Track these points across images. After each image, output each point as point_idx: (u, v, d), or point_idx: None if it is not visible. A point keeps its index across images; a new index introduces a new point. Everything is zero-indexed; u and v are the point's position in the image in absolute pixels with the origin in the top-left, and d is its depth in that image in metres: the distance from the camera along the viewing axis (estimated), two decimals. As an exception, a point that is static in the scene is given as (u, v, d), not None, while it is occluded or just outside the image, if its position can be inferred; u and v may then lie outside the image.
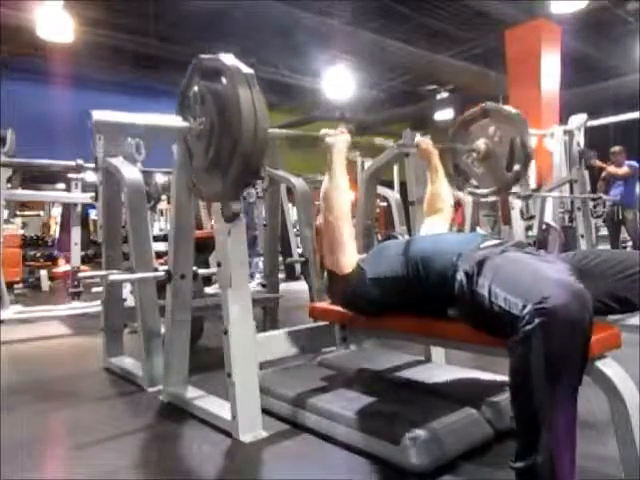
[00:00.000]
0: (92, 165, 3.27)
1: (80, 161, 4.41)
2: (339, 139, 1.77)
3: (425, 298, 1.52)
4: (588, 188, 5.13)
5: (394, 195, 5.25)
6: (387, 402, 1.81)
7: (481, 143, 2.08)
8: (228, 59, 1.41)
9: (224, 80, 1.37)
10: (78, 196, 4.96)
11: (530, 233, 4.93)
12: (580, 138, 5.30)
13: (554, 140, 5.54)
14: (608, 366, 1.22)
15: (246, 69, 1.37)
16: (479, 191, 2.15)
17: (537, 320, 1.07)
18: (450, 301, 1.42)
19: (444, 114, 12.23)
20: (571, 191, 5.20)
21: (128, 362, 2.73)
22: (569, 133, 5.34)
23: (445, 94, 11.42)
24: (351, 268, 1.63)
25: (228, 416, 1.79)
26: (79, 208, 5.06)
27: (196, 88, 1.46)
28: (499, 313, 1.20)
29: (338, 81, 9.37)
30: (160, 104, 10.97)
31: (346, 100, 10.57)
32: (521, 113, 1.87)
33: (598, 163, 5.80)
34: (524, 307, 1.11)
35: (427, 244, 1.58)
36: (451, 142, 2.30)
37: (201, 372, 2.44)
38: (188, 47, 8.82)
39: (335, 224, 1.63)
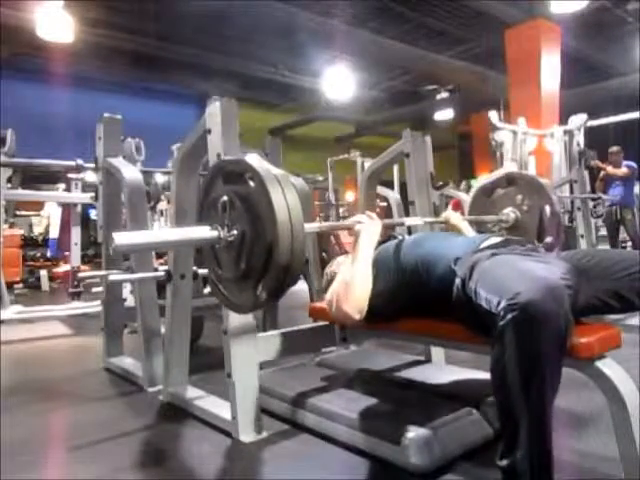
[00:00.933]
0: (92, 165, 3.28)
1: (80, 161, 4.42)
2: (371, 227, 1.65)
3: (427, 302, 1.51)
4: (588, 188, 5.13)
5: (394, 195, 5.25)
6: (387, 402, 1.81)
7: (510, 212, 2.03)
8: (254, 160, 1.29)
9: (252, 184, 1.25)
10: (78, 196, 4.96)
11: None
12: (580, 138, 5.31)
13: (554, 140, 5.55)
14: (608, 366, 1.22)
15: (275, 170, 1.25)
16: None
17: (509, 316, 1.07)
18: (450, 305, 1.42)
19: (444, 114, 12.25)
20: (571, 191, 5.20)
21: (128, 362, 2.73)
22: (569, 133, 5.34)
23: (445, 94, 11.42)
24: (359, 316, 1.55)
25: (228, 416, 1.79)
26: (79, 208, 5.07)
27: (224, 196, 1.32)
28: (483, 313, 1.21)
29: (338, 81, 9.36)
30: (159, 104, 11.05)
31: (346, 100, 10.56)
32: (548, 183, 1.83)
33: (597, 163, 5.79)
34: (499, 304, 1.12)
35: (428, 248, 1.57)
36: (471, 208, 2.21)
37: (201, 372, 2.44)
38: (188, 47, 8.86)
39: (359, 266, 1.56)
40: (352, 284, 1.54)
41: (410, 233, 2.38)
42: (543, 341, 1.06)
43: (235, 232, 1.28)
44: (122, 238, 1.20)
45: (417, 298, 1.53)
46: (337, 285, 1.60)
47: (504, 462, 1.12)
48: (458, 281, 1.38)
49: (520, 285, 1.11)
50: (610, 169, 6.22)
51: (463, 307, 1.36)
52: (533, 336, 1.06)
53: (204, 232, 1.32)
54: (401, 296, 1.56)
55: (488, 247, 1.48)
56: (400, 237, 1.83)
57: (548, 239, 1.72)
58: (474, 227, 2.06)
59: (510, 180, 2.09)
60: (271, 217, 1.16)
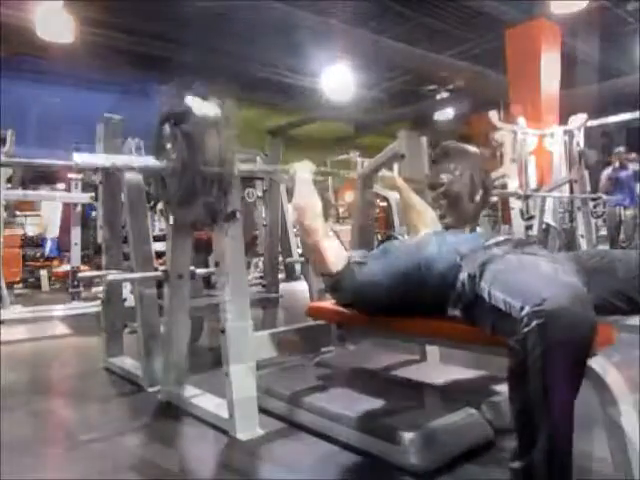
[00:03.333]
0: (92, 165, 3.30)
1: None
2: (303, 165, 1.91)
3: (426, 298, 1.51)
4: (588, 188, 5.15)
5: (394, 195, 5.26)
6: (385, 401, 1.82)
7: (444, 177, 2.12)
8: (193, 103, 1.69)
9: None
10: (78, 196, 4.99)
11: (530, 233, 4.96)
12: (580, 138, 5.33)
13: (554, 140, 5.58)
14: (600, 364, 1.23)
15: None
16: None
17: (535, 322, 1.06)
18: (450, 301, 1.43)
19: (444, 114, 12.28)
20: (571, 191, 5.22)
21: (128, 362, 2.75)
22: (569, 133, 5.36)
23: (445, 94, 11.44)
24: (340, 266, 1.62)
25: (226, 414, 1.81)
26: (79, 208, 5.09)
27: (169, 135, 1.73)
28: (499, 315, 1.20)
29: (338, 81, 9.38)
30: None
31: (346, 100, 10.58)
32: (477, 151, 1.89)
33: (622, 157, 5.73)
34: (522, 309, 1.10)
35: (431, 245, 1.57)
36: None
37: (201, 372, 2.46)
38: (188, 47, 8.87)
39: (309, 228, 1.66)
40: (322, 254, 1.64)
41: (409, 233, 2.39)
42: (570, 348, 1.06)
43: (177, 159, 1.63)
44: (82, 157, 1.56)
45: (417, 292, 1.52)
46: (310, 245, 1.68)
47: (517, 464, 1.11)
48: (464, 276, 1.37)
49: (546, 290, 1.10)
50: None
51: (467, 303, 1.36)
52: (560, 343, 1.05)
53: (152, 161, 1.71)
54: (398, 290, 1.54)
55: (496, 244, 1.48)
56: (400, 237, 1.85)
57: (477, 198, 1.78)
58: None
59: (446, 152, 2.15)
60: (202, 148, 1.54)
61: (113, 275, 2.44)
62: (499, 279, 1.27)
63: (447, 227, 1.72)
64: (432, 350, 2.36)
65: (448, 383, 2.01)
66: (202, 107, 1.65)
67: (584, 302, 1.10)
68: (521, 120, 5.65)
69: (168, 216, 1.93)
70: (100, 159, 1.72)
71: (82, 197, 4.91)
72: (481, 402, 1.75)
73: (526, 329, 1.08)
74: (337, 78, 9.34)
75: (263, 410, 1.92)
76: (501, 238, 1.55)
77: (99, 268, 3.13)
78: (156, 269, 2.55)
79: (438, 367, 2.28)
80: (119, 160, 1.80)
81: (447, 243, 1.54)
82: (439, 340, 1.70)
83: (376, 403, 1.81)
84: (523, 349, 1.08)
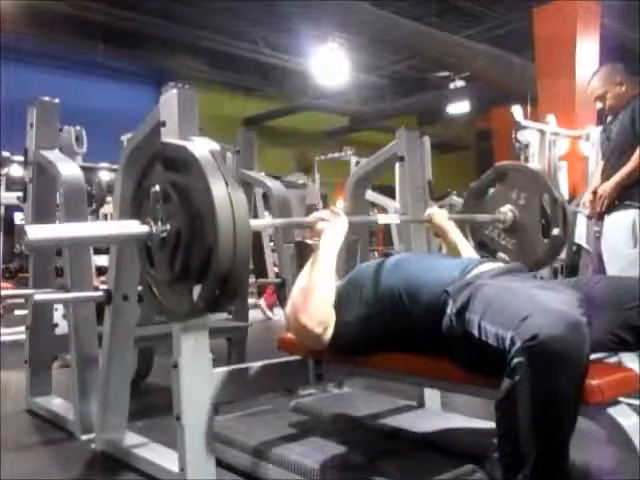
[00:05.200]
0: (20, 158, 3.32)
1: (5, 153, 4.45)
2: (335, 225, 1.76)
3: (409, 334, 1.58)
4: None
5: (394, 205, 5.34)
6: (372, 457, 1.86)
7: (507, 211, 2.13)
8: (198, 146, 1.34)
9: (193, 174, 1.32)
10: (1, 195, 4.99)
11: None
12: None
13: (590, 143, 5.69)
14: (622, 414, 1.30)
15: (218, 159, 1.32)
16: None
17: (526, 353, 1.17)
18: (439, 339, 1.50)
19: (459, 107, 12.42)
20: (608, 205, 5.29)
21: (57, 403, 2.76)
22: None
23: (460, 83, 11.61)
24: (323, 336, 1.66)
25: (175, 468, 1.83)
26: (2, 210, 5.09)
27: (158, 186, 1.39)
28: (492, 352, 1.30)
29: (330, 63, 9.49)
30: (110, 84, 11.08)
31: (339, 86, 10.70)
32: (542, 170, 1.95)
33: None
34: (512, 339, 1.22)
35: (412, 271, 1.65)
36: (467, 213, 2.34)
37: (147, 416, 2.48)
38: (149, 16, 8.92)
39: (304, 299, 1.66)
40: (311, 292, 1.63)
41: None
42: (561, 380, 1.16)
43: (169, 227, 1.35)
44: (37, 231, 1.25)
45: (397, 330, 1.61)
46: (294, 296, 1.68)
47: None
48: (451, 311, 1.46)
49: (539, 318, 1.20)
50: None
51: (456, 341, 1.43)
52: (551, 375, 1.16)
53: (133, 227, 1.39)
54: (378, 326, 1.63)
55: (484, 273, 1.57)
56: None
57: (555, 232, 1.81)
58: (469, 238, 2.14)
59: (500, 175, 2.19)
60: (210, 216, 1.24)
61: (41, 295, 2.46)
62: (489, 309, 1.36)
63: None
64: (432, 395, 2.41)
65: (448, 435, 2.06)
66: (205, 147, 1.34)
67: (581, 332, 1.20)
68: (551, 118, 5.77)
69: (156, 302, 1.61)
70: (58, 231, 1.41)
71: (6, 197, 4.92)
72: (486, 458, 1.80)
73: (516, 359, 1.19)
74: (329, 59, 9.45)
75: (222, 464, 1.94)
76: (491, 266, 1.63)
77: (25, 285, 3.14)
78: (96, 288, 2.57)
79: (438, 415, 2.33)
80: (95, 229, 1.51)
81: (432, 269, 1.62)
82: (434, 382, 1.75)
83: (360, 459, 1.85)
84: (512, 380, 1.19)
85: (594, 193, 3.13)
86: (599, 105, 3.35)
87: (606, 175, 3.11)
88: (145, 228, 1.38)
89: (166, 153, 1.43)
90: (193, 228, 1.30)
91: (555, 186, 2.05)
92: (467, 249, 2.08)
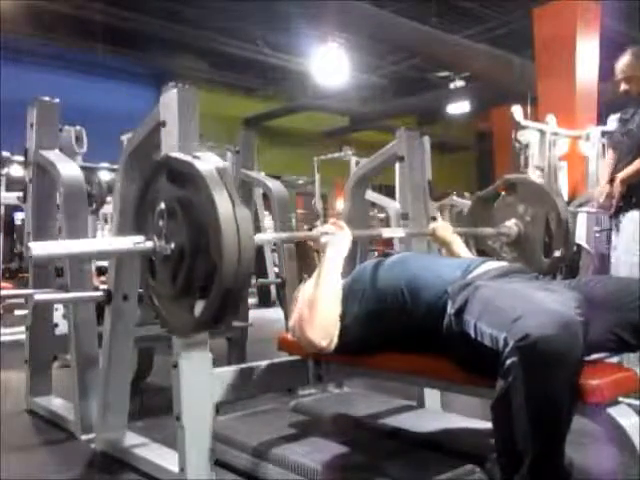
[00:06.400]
0: (21, 158, 3.33)
1: (5, 153, 4.45)
2: (339, 239, 1.78)
3: (410, 334, 1.60)
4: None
5: (394, 205, 5.34)
6: (372, 456, 1.86)
7: (512, 225, 2.13)
8: (204, 162, 1.33)
9: (195, 191, 1.31)
10: (1, 195, 4.99)
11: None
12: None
13: (590, 143, 5.69)
14: (622, 414, 1.30)
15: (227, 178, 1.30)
16: None
17: (518, 353, 1.19)
18: (440, 338, 1.51)
19: (459, 107, 12.43)
20: (609, 206, 5.29)
21: (57, 403, 2.75)
22: (608, 135, 5.47)
23: (460, 83, 11.61)
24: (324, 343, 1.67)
25: (175, 468, 1.83)
26: (2, 210, 5.09)
27: (163, 201, 1.39)
28: (488, 352, 1.31)
29: (329, 63, 9.50)
30: (110, 84, 11.08)
31: (339, 86, 10.70)
32: (552, 187, 1.95)
33: None
34: (505, 340, 1.23)
35: (413, 270, 1.66)
36: (471, 221, 2.34)
37: (147, 416, 2.48)
38: (149, 16, 8.92)
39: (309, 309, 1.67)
40: (317, 305, 1.64)
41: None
42: (554, 380, 1.18)
43: (173, 245, 1.35)
44: (40, 248, 1.26)
45: (399, 329, 1.61)
46: (299, 307, 1.69)
47: None
48: (450, 311, 1.47)
49: (531, 318, 1.22)
50: None
51: (455, 341, 1.45)
52: (543, 375, 1.18)
53: (137, 242, 1.39)
54: (379, 326, 1.64)
55: (485, 273, 1.58)
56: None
57: (556, 253, 1.81)
58: (471, 246, 2.14)
59: (510, 187, 2.19)
60: (216, 234, 1.24)
61: (41, 295, 2.46)
62: (485, 310, 1.37)
63: None
64: (432, 394, 2.41)
65: (448, 435, 2.06)
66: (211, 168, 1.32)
67: (572, 332, 1.20)
68: (551, 118, 5.77)
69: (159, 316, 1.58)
70: (62, 247, 1.41)
71: (6, 197, 4.92)
72: (486, 458, 1.80)
73: (509, 359, 1.20)
74: (329, 59, 9.45)
75: (222, 464, 1.94)
76: (492, 265, 1.64)
77: (25, 285, 3.14)
78: (96, 288, 2.57)
79: (438, 415, 2.33)
80: (98, 245, 1.51)
81: (434, 269, 1.63)
82: (434, 382, 1.75)
83: (360, 459, 1.85)
84: (506, 380, 1.21)
85: (611, 181, 2.96)
86: (624, 87, 3.12)
87: (623, 166, 2.96)
88: (149, 244, 1.38)
89: (171, 167, 1.42)
90: (198, 245, 1.30)
91: (563, 205, 2.04)
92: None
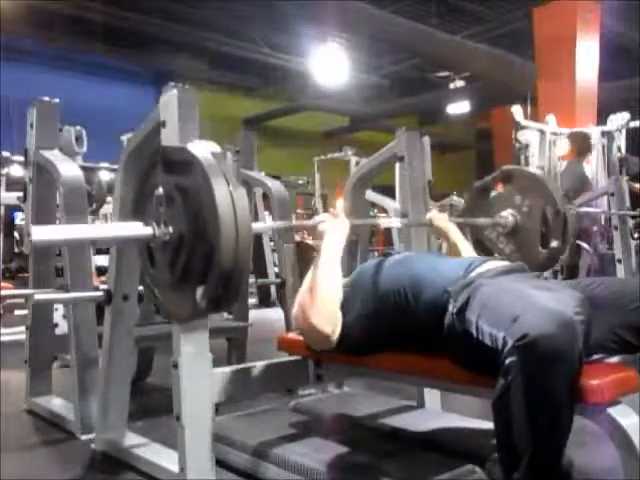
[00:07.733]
0: (20, 158, 3.32)
1: (5, 153, 4.45)
2: (336, 226, 1.79)
3: (412, 333, 1.61)
4: (628, 203, 5.19)
5: (394, 205, 5.34)
6: (372, 456, 1.86)
7: (508, 215, 2.13)
8: (198, 149, 1.35)
9: (194, 176, 1.33)
10: (1, 195, 4.99)
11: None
12: (621, 142, 5.44)
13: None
14: (623, 414, 1.30)
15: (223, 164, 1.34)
16: None
17: (517, 353, 1.20)
18: (441, 338, 1.51)
19: (459, 107, 12.44)
20: (609, 206, 5.28)
21: (57, 403, 2.75)
22: (608, 135, 5.47)
23: (460, 83, 11.62)
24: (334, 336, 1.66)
25: (175, 468, 1.83)
26: (2, 210, 5.08)
27: (161, 188, 1.40)
28: (486, 351, 1.32)
29: (330, 63, 9.50)
30: (110, 84, 11.09)
31: (339, 86, 10.71)
32: (549, 179, 1.94)
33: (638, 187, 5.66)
34: (504, 339, 1.25)
35: (416, 269, 1.67)
36: (468, 212, 2.35)
37: (147, 416, 2.48)
38: (148, 16, 8.92)
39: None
40: (317, 289, 1.64)
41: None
42: (553, 379, 1.18)
43: (171, 230, 1.36)
44: (41, 233, 1.26)
45: (401, 328, 1.62)
46: (301, 296, 1.69)
47: None
48: (452, 310, 1.47)
49: (529, 318, 1.23)
50: None
51: (457, 340, 1.45)
52: (543, 373, 1.18)
53: (137, 228, 1.39)
54: (381, 325, 1.64)
55: (486, 272, 1.58)
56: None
57: (554, 244, 1.81)
58: (467, 235, 2.15)
59: (507, 178, 2.19)
60: (213, 216, 1.25)
61: (41, 294, 2.46)
62: (485, 309, 1.38)
63: None
64: (432, 394, 2.41)
65: (448, 435, 2.06)
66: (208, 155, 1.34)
67: (571, 331, 1.21)
68: (551, 118, 5.78)
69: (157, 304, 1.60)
70: (62, 232, 1.40)
71: (6, 197, 4.91)
72: (486, 458, 1.79)
73: (508, 358, 1.21)
74: (329, 59, 9.45)
75: (222, 464, 1.94)
76: (494, 265, 1.65)
77: (25, 285, 3.14)
78: (96, 288, 2.57)
79: (438, 415, 2.33)
80: (98, 231, 1.55)
81: (436, 269, 1.64)
82: (435, 382, 1.75)
83: (360, 459, 1.85)
84: (505, 380, 1.22)
85: None
86: None
87: None
88: (149, 230, 1.39)
89: (167, 155, 1.44)
90: (196, 228, 1.31)
91: (560, 197, 2.04)
92: (468, 250, 2.11)
